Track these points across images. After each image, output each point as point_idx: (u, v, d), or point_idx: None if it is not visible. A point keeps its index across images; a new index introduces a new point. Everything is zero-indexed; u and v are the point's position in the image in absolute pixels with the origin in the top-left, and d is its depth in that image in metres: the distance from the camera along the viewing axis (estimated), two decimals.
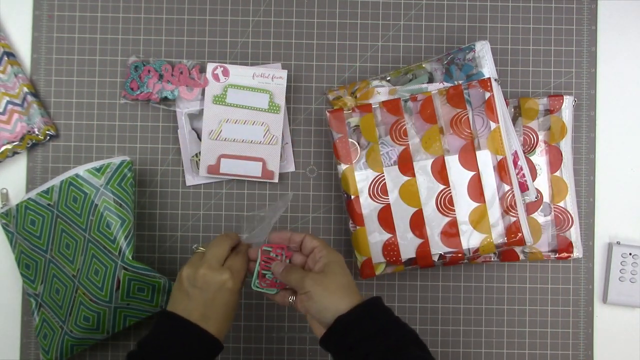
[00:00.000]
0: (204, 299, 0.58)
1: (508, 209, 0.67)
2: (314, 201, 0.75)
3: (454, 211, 0.69)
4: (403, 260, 0.70)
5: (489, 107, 0.68)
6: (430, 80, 0.73)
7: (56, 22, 0.75)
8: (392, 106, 0.70)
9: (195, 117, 0.74)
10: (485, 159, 0.68)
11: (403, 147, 0.70)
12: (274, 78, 0.73)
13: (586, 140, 0.76)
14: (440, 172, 0.69)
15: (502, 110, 0.69)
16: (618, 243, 0.74)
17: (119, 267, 0.66)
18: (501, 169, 0.68)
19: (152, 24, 0.76)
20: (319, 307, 0.56)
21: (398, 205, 0.70)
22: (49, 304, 0.70)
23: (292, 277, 0.59)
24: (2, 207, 0.73)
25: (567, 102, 0.72)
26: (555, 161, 0.73)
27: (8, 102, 0.73)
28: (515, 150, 0.70)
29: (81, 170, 0.68)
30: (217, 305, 0.58)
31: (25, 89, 0.73)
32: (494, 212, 0.68)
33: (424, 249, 0.69)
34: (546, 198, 0.73)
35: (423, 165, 0.69)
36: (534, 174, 0.72)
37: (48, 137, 0.73)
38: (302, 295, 0.58)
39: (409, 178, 0.70)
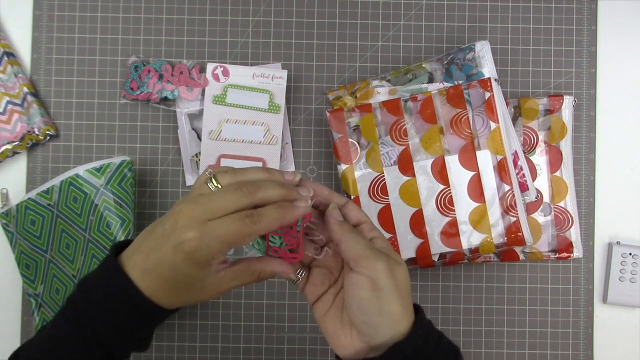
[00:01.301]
0: (157, 250, 0.41)
1: (508, 209, 0.67)
2: None
3: (454, 211, 0.69)
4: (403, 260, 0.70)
5: (489, 107, 0.68)
6: (430, 80, 0.73)
7: (56, 22, 0.75)
8: (392, 106, 0.70)
9: (195, 117, 0.74)
10: (485, 159, 0.68)
11: (403, 147, 0.70)
12: (274, 78, 0.73)
13: (586, 140, 0.76)
14: (440, 172, 0.69)
15: (502, 110, 0.69)
16: (618, 243, 0.74)
17: None
18: (501, 169, 0.68)
19: (152, 24, 0.76)
20: (379, 311, 0.41)
21: (398, 205, 0.70)
22: (49, 304, 0.70)
23: (356, 242, 0.43)
24: (2, 207, 0.73)
25: (567, 102, 0.72)
26: (555, 161, 0.73)
27: (8, 102, 0.73)
28: (515, 150, 0.70)
29: (81, 170, 0.68)
30: (163, 268, 0.41)
31: (25, 89, 0.73)
32: (494, 212, 0.68)
33: (424, 249, 0.69)
34: (546, 198, 0.73)
35: (423, 165, 0.69)
36: (534, 174, 0.72)
37: (48, 137, 0.73)
38: (357, 278, 0.42)
39: (409, 178, 0.70)
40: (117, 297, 0.42)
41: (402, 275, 0.43)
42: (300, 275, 0.48)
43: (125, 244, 0.45)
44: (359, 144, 0.71)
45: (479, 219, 0.68)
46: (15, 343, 0.74)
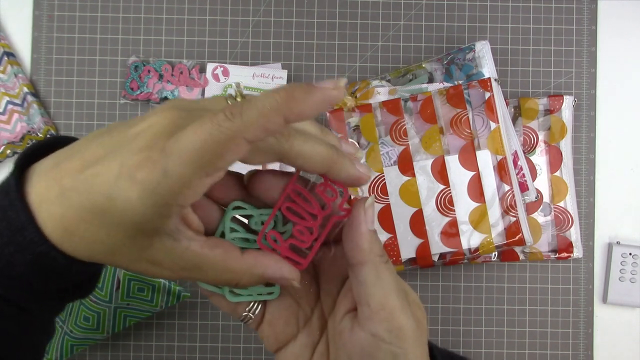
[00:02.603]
0: (100, 163, 0.26)
1: (508, 209, 0.67)
2: None
3: (454, 211, 0.69)
4: (403, 260, 0.70)
5: (489, 107, 0.68)
6: (430, 80, 0.73)
7: (56, 22, 0.75)
8: (392, 106, 0.70)
9: None
10: (485, 159, 0.68)
11: (403, 147, 0.70)
12: (274, 78, 0.73)
13: (586, 140, 0.76)
14: (440, 172, 0.69)
15: (502, 110, 0.69)
16: (618, 243, 0.74)
17: None
18: (501, 169, 0.68)
19: (152, 24, 0.76)
20: None
21: (398, 205, 0.70)
22: None
23: (386, 277, 0.29)
24: None
25: (567, 102, 0.72)
26: (555, 161, 0.73)
27: (8, 102, 0.73)
28: (515, 150, 0.70)
29: None
30: (95, 195, 0.26)
31: (25, 89, 0.73)
32: (494, 212, 0.68)
33: (424, 249, 0.69)
34: (546, 198, 0.73)
35: (423, 165, 0.70)
36: (534, 174, 0.72)
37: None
38: (373, 346, 0.29)
39: (409, 178, 0.70)
40: (11, 239, 0.27)
41: (426, 326, 0.31)
42: (253, 312, 0.33)
43: (56, 142, 0.30)
44: (359, 144, 0.71)
45: (479, 219, 0.68)
46: None
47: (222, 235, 0.31)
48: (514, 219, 0.67)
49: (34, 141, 0.72)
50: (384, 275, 0.29)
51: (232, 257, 0.29)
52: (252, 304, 0.33)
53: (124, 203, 0.25)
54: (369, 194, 0.70)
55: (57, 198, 0.26)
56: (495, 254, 0.72)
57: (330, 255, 0.33)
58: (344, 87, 0.27)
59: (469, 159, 0.69)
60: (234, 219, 0.32)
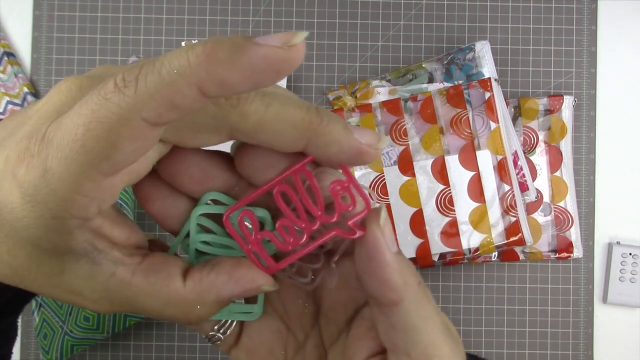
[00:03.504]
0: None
1: (508, 209, 0.67)
2: None
3: (454, 211, 0.69)
4: None
5: (489, 107, 0.68)
6: (430, 80, 0.73)
7: (56, 22, 0.75)
8: (392, 106, 0.70)
9: None
10: (485, 159, 0.68)
11: (403, 147, 0.70)
12: None
13: (586, 140, 0.76)
14: (440, 172, 0.69)
15: (502, 110, 0.69)
16: (618, 243, 0.74)
17: None
18: (501, 169, 0.68)
19: (152, 24, 0.76)
20: None
21: (398, 205, 0.70)
22: (49, 304, 0.70)
23: (429, 315, 0.23)
24: None
25: (567, 102, 0.72)
26: (555, 161, 0.73)
27: (8, 102, 0.73)
28: (515, 150, 0.70)
29: None
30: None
31: (25, 89, 0.73)
32: (494, 212, 0.68)
33: (424, 249, 0.69)
34: (546, 198, 0.73)
35: (423, 165, 0.70)
36: (534, 174, 0.72)
37: None
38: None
39: (409, 178, 0.70)
40: None
41: None
42: (223, 332, 0.24)
43: None
44: None
45: (479, 219, 0.68)
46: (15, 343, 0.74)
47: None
48: (514, 219, 0.67)
49: None
50: (426, 313, 0.21)
51: (173, 286, 0.21)
52: (222, 321, 0.24)
53: (10, 212, 0.18)
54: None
55: None
56: (495, 254, 0.72)
57: (332, 285, 0.23)
58: (301, 44, 0.17)
59: (469, 159, 0.69)
60: (207, 216, 0.23)
